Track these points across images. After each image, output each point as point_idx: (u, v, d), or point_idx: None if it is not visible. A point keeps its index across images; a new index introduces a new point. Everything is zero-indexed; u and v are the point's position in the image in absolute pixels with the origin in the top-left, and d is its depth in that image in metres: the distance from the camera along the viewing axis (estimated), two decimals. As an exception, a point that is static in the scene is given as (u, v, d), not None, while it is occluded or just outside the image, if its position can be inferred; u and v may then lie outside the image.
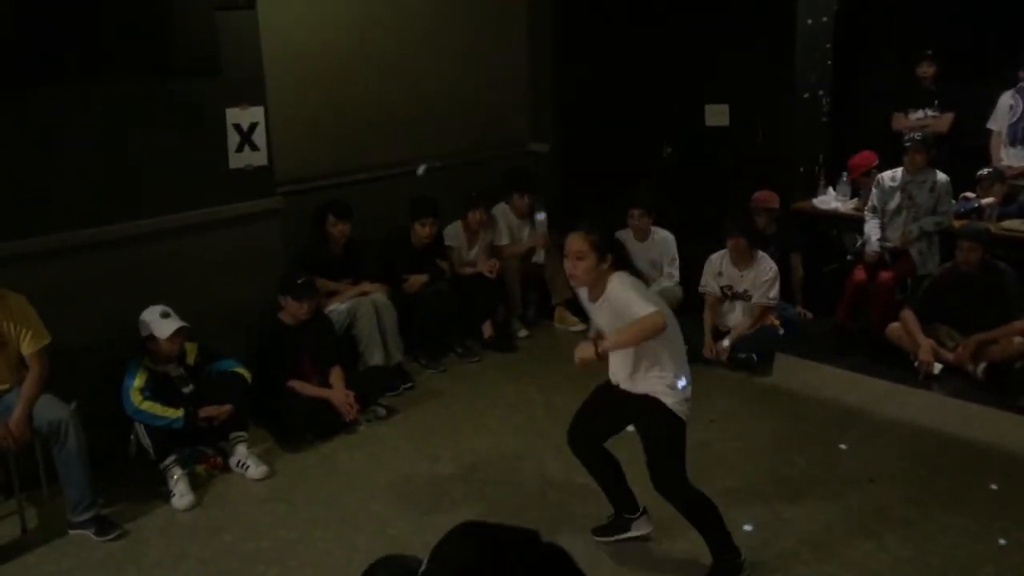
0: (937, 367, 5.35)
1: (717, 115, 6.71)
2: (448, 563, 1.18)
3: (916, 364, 5.35)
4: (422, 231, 5.85)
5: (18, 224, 4.19)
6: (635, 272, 3.42)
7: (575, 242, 3.25)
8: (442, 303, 5.85)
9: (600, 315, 3.40)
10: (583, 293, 3.48)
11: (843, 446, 4.62)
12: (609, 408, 3.54)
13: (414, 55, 6.27)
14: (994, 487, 4.18)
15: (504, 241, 6.41)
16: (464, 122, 6.66)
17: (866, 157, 6.45)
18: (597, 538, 3.76)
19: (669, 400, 3.32)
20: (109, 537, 3.95)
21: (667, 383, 3.32)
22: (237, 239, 5.02)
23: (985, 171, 6.18)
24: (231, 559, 3.81)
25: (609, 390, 3.53)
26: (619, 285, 3.27)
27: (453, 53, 6.53)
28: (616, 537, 3.74)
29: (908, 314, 5.46)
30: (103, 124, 4.41)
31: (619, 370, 3.44)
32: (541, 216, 6.52)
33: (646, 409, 3.36)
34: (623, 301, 3.23)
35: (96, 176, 4.42)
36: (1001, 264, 5.28)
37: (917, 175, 5.85)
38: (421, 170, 6.31)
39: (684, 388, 3.35)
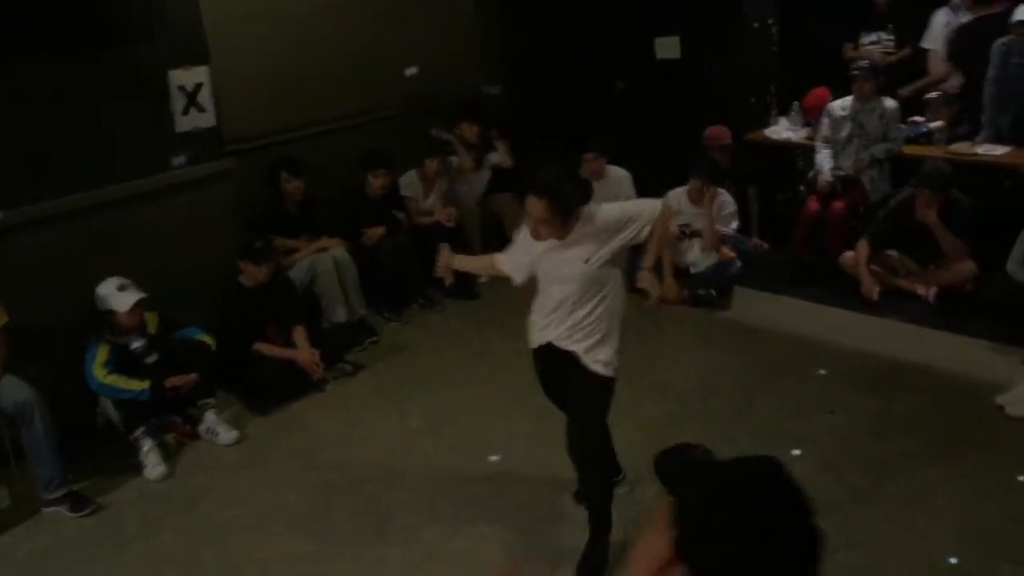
0: (875, 292, 5.41)
1: (667, 48, 6.68)
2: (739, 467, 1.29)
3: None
4: (375, 182, 5.80)
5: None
6: None
7: (534, 207, 3.02)
8: (401, 254, 5.83)
9: (568, 250, 3.13)
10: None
11: (802, 379, 4.74)
12: (561, 382, 3.38)
13: (360, 4, 6.12)
14: (950, 412, 4.30)
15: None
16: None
17: (819, 95, 6.43)
18: (578, 501, 3.68)
19: (599, 366, 3.22)
20: (84, 513, 3.97)
21: (598, 346, 3.22)
22: (190, 203, 4.94)
23: (934, 95, 6.24)
24: (209, 529, 3.83)
25: (546, 366, 3.42)
26: (601, 209, 3.13)
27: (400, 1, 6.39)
28: None
29: (862, 244, 5.54)
30: (44, 97, 4.27)
31: (556, 324, 3.25)
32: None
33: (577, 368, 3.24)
34: (615, 211, 3.13)
35: (41, 150, 4.29)
36: (956, 193, 5.29)
37: (866, 103, 5.89)
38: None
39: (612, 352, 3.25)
